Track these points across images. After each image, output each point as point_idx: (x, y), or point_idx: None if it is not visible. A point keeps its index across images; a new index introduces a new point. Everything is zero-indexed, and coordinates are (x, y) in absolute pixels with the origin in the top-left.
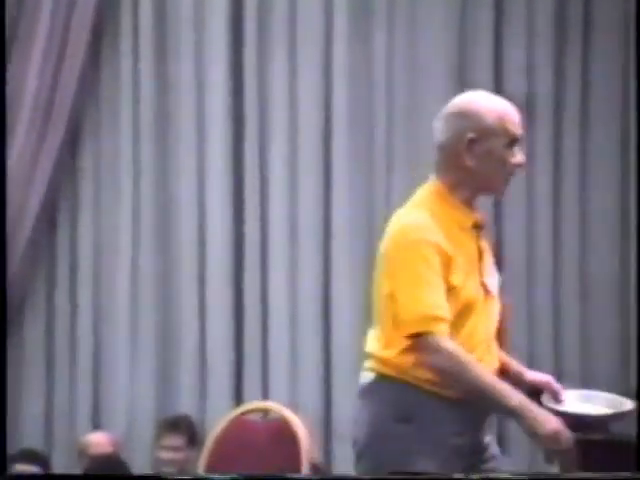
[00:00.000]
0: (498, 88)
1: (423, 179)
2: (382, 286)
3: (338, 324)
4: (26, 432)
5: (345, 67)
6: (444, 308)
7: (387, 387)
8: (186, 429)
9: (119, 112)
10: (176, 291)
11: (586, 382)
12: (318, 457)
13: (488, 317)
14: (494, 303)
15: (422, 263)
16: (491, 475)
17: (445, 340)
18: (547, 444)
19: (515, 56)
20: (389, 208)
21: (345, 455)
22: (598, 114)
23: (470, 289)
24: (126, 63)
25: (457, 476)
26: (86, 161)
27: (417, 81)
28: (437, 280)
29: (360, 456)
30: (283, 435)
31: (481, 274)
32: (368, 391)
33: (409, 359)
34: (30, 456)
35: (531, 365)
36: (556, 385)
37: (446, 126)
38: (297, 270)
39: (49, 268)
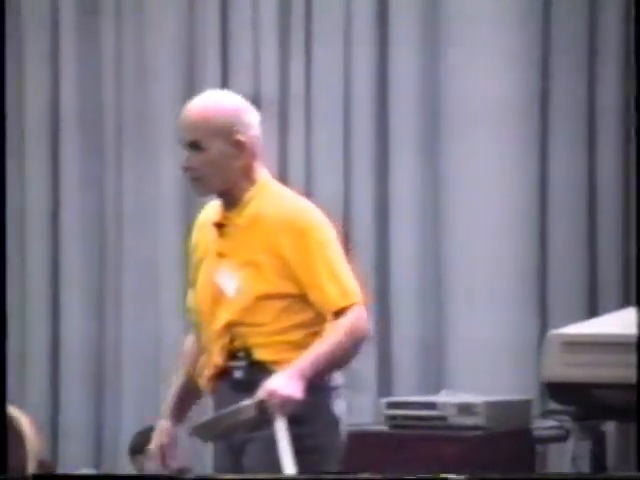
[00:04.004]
0: (224, 86)
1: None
2: None
3: None
4: None
5: (74, 58)
6: (190, 295)
7: None
8: None
9: None
10: None
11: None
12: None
13: (213, 315)
14: (223, 303)
15: None
16: (488, 476)
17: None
18: None
19: (242, 53)
20: (119, 204)
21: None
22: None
23: (200, 283)
24: None
25: (452, 476)
26: None
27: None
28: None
29: None
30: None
31: (214, 272)
32: None
33: None
34: None
35: None
36: None
37: None
38: None
39: None
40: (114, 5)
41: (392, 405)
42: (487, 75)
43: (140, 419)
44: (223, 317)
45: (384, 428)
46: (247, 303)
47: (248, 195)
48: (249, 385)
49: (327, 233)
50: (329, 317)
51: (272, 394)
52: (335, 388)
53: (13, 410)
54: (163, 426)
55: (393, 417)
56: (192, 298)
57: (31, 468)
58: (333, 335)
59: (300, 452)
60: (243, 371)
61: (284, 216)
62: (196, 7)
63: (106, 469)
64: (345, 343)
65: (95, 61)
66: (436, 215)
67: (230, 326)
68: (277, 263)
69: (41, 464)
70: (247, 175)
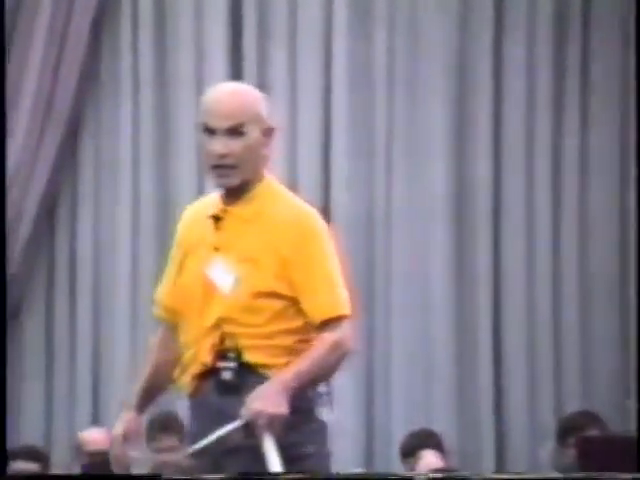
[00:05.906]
0: (497, 84)
1: (422, 175)
2: None
3: None
4: (26, 429)
5: (346, 64)
6: (161, 291)
7: None
8: (178, 428)
9: (119, 109)
10: None
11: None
12: None
13: (203, 310)
14: (216, 298)
15: None
16: (488, 475)
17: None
18: None
19: (515, 53)
20: (389, 205)
21: None
22: (598, 114)
23: (187, 277)
24: (126, 59)
25: (451, 475)
26: (86, 159)
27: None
28: (169, 264)
29: None
30: None
31: (206, 265)
32: None
33: None
34: (30, 453)
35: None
36: None
37: None
38: None
39: (49, 268)
40: (387, 12)
41: None
42: None
43: (409, 419)
44: (214, 313)
45: None
46: (243, 300)
47: (255, 190)
48: (237, 388)
49: (329, 242)
50: (316, 325)
51: (258, 415)
52: (321, 395)
53: None
54: (128, 416)
55: None
56: (165, 293)
57: None
58: (319, 350)
59: (287, 461)
60: (232, 372)
61: (290, 216)
62: (469, 19)
63: (378, 469)
64: (329, 360)
65: (367, 66)
66: None
67: (221, 323)
68: (275, 262)
69: None
70: (261, 169)
